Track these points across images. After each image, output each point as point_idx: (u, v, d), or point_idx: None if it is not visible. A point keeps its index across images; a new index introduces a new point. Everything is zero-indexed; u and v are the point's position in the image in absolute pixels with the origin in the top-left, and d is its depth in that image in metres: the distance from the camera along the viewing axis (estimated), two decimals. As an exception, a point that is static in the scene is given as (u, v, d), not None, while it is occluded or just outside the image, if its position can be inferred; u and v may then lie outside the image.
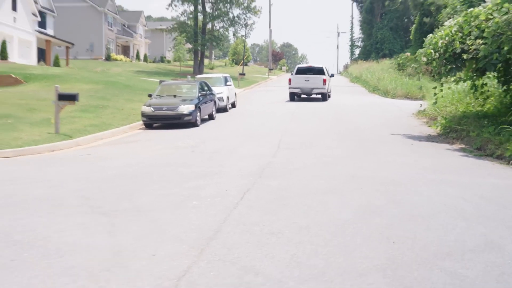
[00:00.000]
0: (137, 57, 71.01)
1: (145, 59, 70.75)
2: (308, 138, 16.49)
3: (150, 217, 7.34)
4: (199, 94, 21.20)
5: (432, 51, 16.37)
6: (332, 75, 33.94)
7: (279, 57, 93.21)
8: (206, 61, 60.12)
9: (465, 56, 15.24)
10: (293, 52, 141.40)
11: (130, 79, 39.70)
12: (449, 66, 16.41)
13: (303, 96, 32.28)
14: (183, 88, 22.38)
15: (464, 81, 18.27)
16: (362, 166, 11.68)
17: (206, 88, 22.62)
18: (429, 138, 16.87)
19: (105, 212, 7.62)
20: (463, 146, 15.18)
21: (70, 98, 16.68)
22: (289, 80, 31.39)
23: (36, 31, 45.95)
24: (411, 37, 42.70)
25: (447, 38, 15.98)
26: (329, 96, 32.40)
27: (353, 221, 7.12)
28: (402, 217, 7.28)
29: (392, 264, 5.46)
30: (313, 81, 30.32)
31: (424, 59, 16.96)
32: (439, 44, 16.17)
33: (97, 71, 44.18)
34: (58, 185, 9.68)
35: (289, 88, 31.29)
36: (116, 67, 52.30)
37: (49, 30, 50.63)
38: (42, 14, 48.03)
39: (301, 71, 31.57)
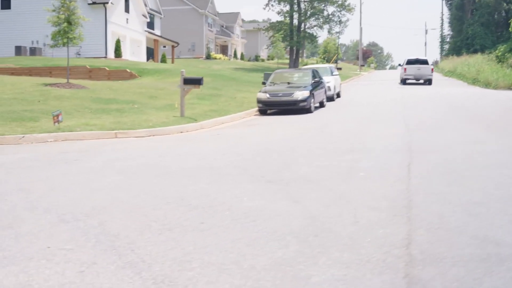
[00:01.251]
0: (235, 55, 70.96)
1: (242, 58, 70.53)
2: (432, 121, 15.03)
3: (323, 186, 6.34)
4: (312, 81, 20.12)
5: None
6: (432, 64, 37.01)
7: (367, 55, 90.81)
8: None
9: None
10: (379, 51, 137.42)
11: (232, 73, 39.26)
12: None
13: (408, 82, 35.93)
14: (296, 76, 21.35)
15: None
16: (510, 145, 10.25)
17: (317, 76, 21.48)
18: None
19: (271, 180, 6.70)
20: None
21: (195, 82, 16.04)
22: (404, 69, 35.72)
23: (146, 31, 46.46)
24: (510, 29, 39.76)
25: None
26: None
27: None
28: None
29: None
30: (423, 70, 35.02)
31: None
32: None
33: (201, 67, 44.11)
34: (208, 158, 8.90)
35: (404, 74, 35.59)
36: (216, 65, 52.10)
37: (157, 31, 51.12)
38: (150, 16, 48.51)
39: (411, 62, 35.69)
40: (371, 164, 7.90)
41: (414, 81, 35.81)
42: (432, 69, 35.84)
